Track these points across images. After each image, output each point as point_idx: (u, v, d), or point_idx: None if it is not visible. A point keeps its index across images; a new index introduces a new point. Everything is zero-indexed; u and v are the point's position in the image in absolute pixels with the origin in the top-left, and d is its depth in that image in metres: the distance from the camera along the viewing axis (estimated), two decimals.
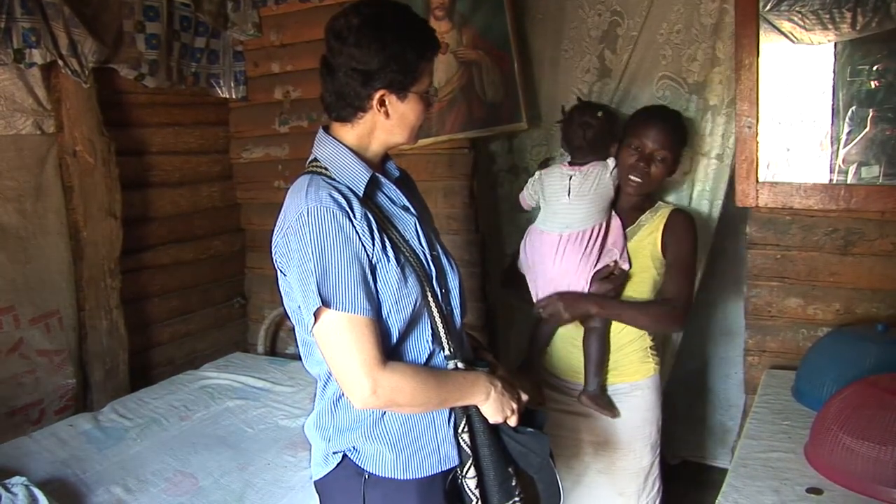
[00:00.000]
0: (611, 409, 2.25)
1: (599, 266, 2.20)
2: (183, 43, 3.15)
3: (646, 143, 2.20)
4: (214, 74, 3.40)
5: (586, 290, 2.19)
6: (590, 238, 2.20)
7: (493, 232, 3.08)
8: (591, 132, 2.25)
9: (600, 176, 2.22)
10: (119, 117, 3.03)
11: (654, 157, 2.20)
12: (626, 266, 2.22)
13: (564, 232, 2.22)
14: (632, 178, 2.21)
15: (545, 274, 2.26)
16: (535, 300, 2.28)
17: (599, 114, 2.28)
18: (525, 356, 2.45)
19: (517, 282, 2.38)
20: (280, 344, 3.74)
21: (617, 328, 2.26)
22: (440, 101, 2.78)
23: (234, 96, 3.49)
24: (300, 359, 1.64)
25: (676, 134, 2.26)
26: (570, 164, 2.29)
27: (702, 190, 2.59)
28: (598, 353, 2.24)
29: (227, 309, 3.71)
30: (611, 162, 2.25)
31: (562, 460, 2.14)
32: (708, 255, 2.68)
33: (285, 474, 2.30)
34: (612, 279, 2.19)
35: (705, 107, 2.53)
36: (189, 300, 3.48)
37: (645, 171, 2.20)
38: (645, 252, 2.23)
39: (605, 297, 2.19)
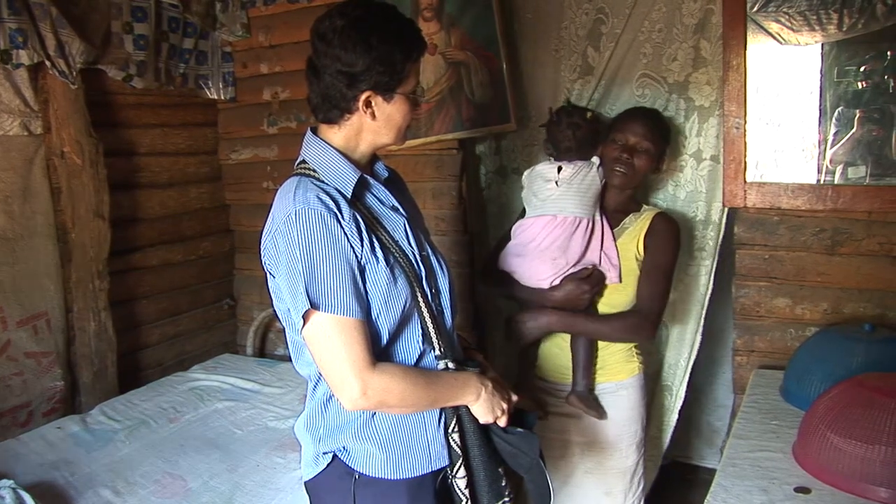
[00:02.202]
0: (598, 410, 2.26)
1: (579, 267, 2.21)
2: (171, 44, 3.13)
3: (628, 137, 2.24)
4: (203, 75, 3.38)
5: (557, 277, 2.21)
6: (578, 227, 2.21)
7: (481, 233, 3.08)
8: (581, 132, 2.27)
9: (587, 170, 2.25)
10: (107, 118, 3.01)
11: (637, 149, 2.23)
12: (611, 275, 2.22)
13: (559, 214, 2.23)
14: (616, 169, 2.23)
15: (532, 256, 2.26)
16: (523, 287, 2.29)
17: (589, 114, 2.31)
18: (517, 376, 2.44)
19: (496, 277, 2.38)
20: (269, 345, 3.73)
21: None
22: (428, 102, 2.78)
23: (222, 97, 3.47)
24: (289, 360, 1.64)
25: (658, 128, 2.29)
26: (557, 160, 2.31)
27: (693, 191, 2.60)
28: (587, 354, 2.25)
29: (216, 310, 3.69)
30: (595, 160, 2.27)
31: (550, 461, 2.13)
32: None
33: (275, 476, 2.29)
34: (588, 280, 2.20)
35: (690, 107, 2.54)
36: (178, 302, 3.46)
37: (629, 163, 2.22)
38: (629, 255, 2.24)
39: (567, 312, 2.20)
